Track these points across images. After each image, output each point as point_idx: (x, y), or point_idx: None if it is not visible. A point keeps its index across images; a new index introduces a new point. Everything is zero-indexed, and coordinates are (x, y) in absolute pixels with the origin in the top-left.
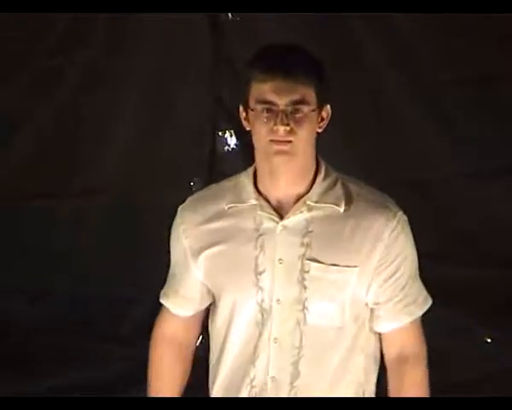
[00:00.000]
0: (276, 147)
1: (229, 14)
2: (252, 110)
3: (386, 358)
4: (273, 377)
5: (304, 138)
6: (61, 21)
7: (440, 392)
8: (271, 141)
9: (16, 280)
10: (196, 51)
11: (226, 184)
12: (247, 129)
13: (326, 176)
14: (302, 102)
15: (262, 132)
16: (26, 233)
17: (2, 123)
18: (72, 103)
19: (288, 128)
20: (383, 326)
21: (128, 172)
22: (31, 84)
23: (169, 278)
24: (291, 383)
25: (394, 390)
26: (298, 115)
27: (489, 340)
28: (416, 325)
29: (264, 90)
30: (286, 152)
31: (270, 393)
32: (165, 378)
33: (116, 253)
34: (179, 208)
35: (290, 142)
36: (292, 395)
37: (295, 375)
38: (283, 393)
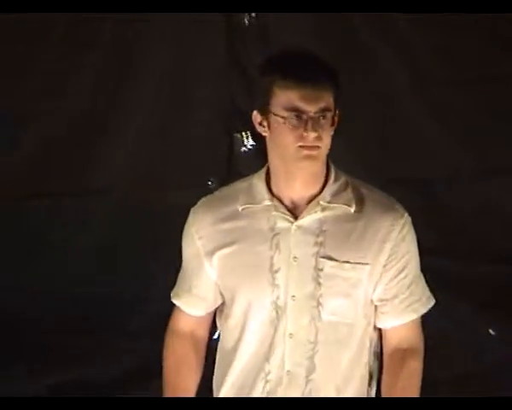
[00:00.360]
0: (306, 152)
1: (246, 19)
2: (276, 116)
3: (386, 350)
4: (289, 371)
5: (328, 143)
6: (70, 20)
7: (442, 383)
8: (300, 147)
9: (26, 278)
10: (213, 52)
11: (238, 186)
12: (264, 134)
13: (336, 178)
14: (327, 108)
15: (289, 138)
16: (36, 231)
17: (10, 123)
18: (91, 105)
19: (317, 134)
20: (388, 323)
21: (144, 172)
22: (41, 84)
23: (180, 279)
24: (306, 376)
25: (388, 382)
26: (323, 121)
27: (492, 332)
28: (418, 322)
29: (292, 97)
30: (314, 157)
31: (285, 387)
32: (182, 373)
33: (132, 251)
34: (191, 211)
35: (319, 147)
36: (307, 389)
37: (311, 369)
38: (299, 386)
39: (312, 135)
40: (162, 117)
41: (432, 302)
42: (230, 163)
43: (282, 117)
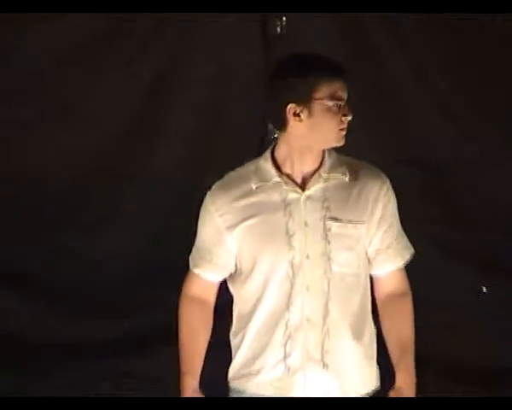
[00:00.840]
0: (343, 133)
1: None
2: (322, 105)
3: (380, 296)
4: (307, 316)
5: None
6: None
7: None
8: (340, 129)
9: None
10: (251, 52)
11: (246, 169)
12: (298, 122)
13: (329, 155)
14: (349, 97)
15: (333, 123)
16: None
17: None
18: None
19: (350, 118)
20: (383, 269)
21: (184, 160)
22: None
23: (198, 251)
24: (324, 319)
25: (388, 324)
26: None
27: (485, 290)
28: (403, 270)
29: (335, 88)
30: (344, 136)
31: (305, 330)
32: (199, 335)
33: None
34: (208, 194)
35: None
36: (325, 329)
37: (326, 314)
38: (317, 329)
39: (349, 118)
40: (204, 110)
41: (412, 251)
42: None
43: (327, 105)
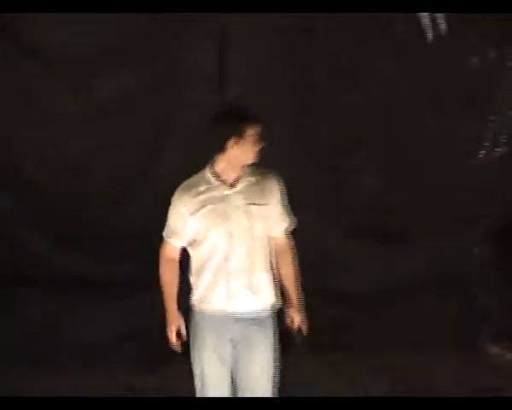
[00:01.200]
0: (257, 154)
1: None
2: (249, 139)
3: (278, 251)
4: (239, 263)
5: None
6: None
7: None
8: (257, 152)
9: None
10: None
11: (197, 178)
12: (233, 149)
13: (246, 166)
14: None
15: (254, 149)
16: None
17: None
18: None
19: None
20: (279, 230)
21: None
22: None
23: (169, 228)
24: (249, 264)
25: (285, 271)
26: None
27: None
28: (288, 232)
29: (256, 128)
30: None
31: (238, 272)
32: (173, 280)
33: None
34: (176, 192)
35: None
36: (250, 271)
37: (250, 261)
38: (245, 270)
39: (262, 145)
40: None
41: (291, 220)
42: None
43: (252, 139)
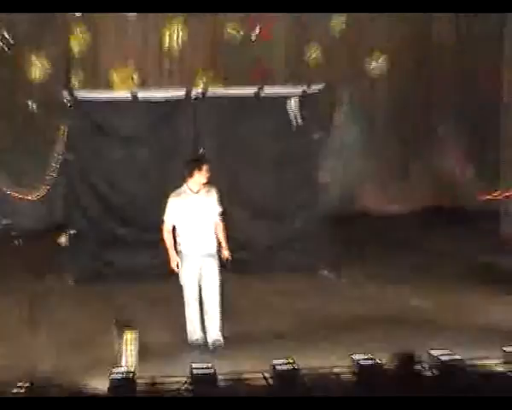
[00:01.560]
0: (207, 178)
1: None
2: (199, 175)
3: (216, 223)
4: (198, 236)
5: None
6: None
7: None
8: (207, 178)
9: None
10: None
11: (180, 189)
12: (197, 176)
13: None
14: None
15: (205, 176)
16: None
17: None
18: None
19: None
20: (216, 214)
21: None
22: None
23: (167, 215)
24: (202, 237)
25: (218, 231)
26: None
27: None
28: (220, 216)
29: (206, 166)
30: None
31: (198, 242)
32: (170, 240)
33: None
34: (170, 196)
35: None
36: (203, 241)
37: (203, 235)
38: (202, 241)
39: (208, 175)
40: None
41: (220, 209)
42: None
43: (205, 171)
